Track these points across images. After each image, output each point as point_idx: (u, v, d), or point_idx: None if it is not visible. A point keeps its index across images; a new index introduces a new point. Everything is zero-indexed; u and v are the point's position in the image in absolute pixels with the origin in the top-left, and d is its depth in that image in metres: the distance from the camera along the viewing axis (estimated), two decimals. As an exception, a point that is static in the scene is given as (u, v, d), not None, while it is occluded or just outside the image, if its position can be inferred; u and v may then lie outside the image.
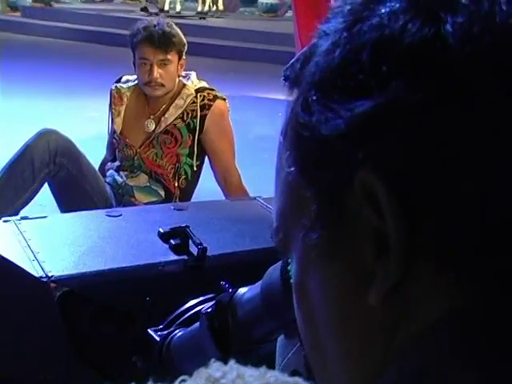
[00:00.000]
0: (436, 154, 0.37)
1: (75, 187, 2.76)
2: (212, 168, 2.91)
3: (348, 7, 0.42)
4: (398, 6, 0.39)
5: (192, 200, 2.88)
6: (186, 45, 2.89)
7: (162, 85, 2.79)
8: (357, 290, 0.41)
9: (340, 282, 0.42)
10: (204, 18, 10.29)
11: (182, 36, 2.89)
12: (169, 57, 2.78)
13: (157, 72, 2.77)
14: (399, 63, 0.38)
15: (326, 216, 0.41)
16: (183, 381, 0.38)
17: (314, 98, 0.41)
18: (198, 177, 2.93)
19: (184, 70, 2.92)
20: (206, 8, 10.53)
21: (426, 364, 0.39)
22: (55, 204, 2.85)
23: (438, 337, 0.39)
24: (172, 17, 9.99)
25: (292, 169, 0.43)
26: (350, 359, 0.43)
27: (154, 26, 2.81)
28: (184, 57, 2.86)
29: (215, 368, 0.37)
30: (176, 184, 2.87)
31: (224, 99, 2.90)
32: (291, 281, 0.48)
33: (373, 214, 0.38)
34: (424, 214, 0.38)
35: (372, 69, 0.38)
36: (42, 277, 1.06)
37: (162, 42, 2.77)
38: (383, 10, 0.39)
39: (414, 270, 0.39)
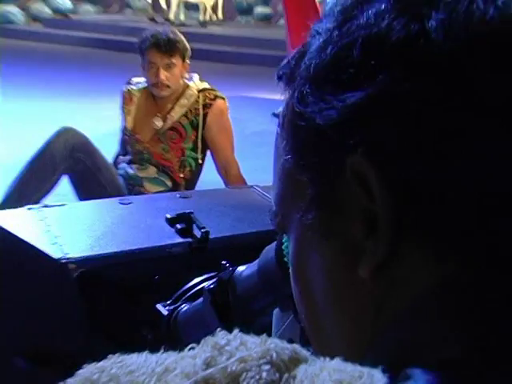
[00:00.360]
0: (420, 138, 0.37)
1: (91, 179, 2.76)
2: (213, 160, 2.91)
3: (338, 8, 0.42)
4: (383, 6, 0.39)
5: (196, 189, 2.89)
6: (189, 50, 2.88)
7: (168, 86, 2.79)
8: (349, 264, 0.40)
9: (333, 257, 0.41)
10: (205, 27, 10.25)
11: (185, 42, 2.88)
12: (173, 60, 2.78)
13: (163, 74, 2.77)
14: (386, 57, 0.38)
15: (321, 198, 0.41)
16: (192, 348, 0.37)
17: (309, 90, 0.41)
18: (201, 169, 2.93)
19: (187, 73, 2.91)
20: (207, 17, 10.49)
21: (415, 332, 0.38)
22: (73, 194, 2.84)
23: (426, 307, 0.38)
24: (176, 25, 9.96)
25: (289, 156, 0.43)
26: (344, 328, 0.43)
27: (160, 33, 2.81)
28: (187, 60, 2.86)
29: (221, 336, 0.37)
30: (181, 175, 2.87)
31: (224, 99, 2.90)
32: (286, 259, 0.47)
33: (363, 195, 0.38)
34: (410, 194, 0.37)
35: (361, 63, 0.38)
36: (61, 258, 1.06)
37: (167, 47, 2.77)
38: (370, 11, 0.39)
39: (401, 246, 0.38)
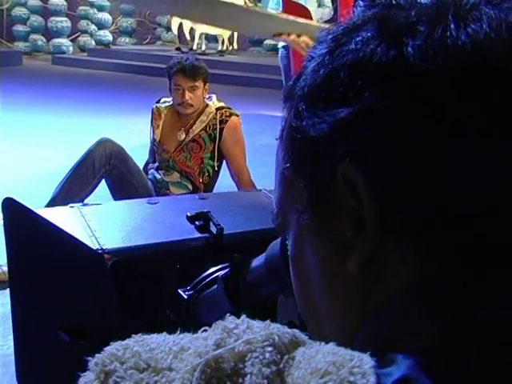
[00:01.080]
0: (401, 147, 0.36)
1: (125, 182, 2.76)
2: (228, 168, 2.90)
3: (330, 36, 0.41)
4: (369, 34, 0.38)
5: (213, 192, 2.88)
6: (209, 75, 2.87)
7: (192, 105, 2.79)
8: (339, 260, 0.39)
9: (326, 253, 0.40)
10: (223, 55, 10.27)
11: (206, 68, 2.88)
12: (196, 84, 2.78)
13: (187, 95, 2.77)
14: (370, 78, 0.37)
15: (315, 202, 0.40)
16: (204, 330, 0.36)
17: (304, 107, 0.40)
18: (218, 175, 2.93)
19: (207, 94, 2.91)
20: (224, 47, 10.52)
21: (395, 322, 0.37)
22: (110, 195, 2.84)
23: (404, 300, 0.37)
24: (199, 54, 9.98)
25: (287, 165, 0.42)
26: (336, 317, 0.41)
27: (186, 60, 2.81)
28: (208, 83, 2.85)
29: (229, 321, 0.36)
30: (201, 180, 2.87)
31: (238, 116, 2.90)
32: (288, 253, 0.46)
33: (352, 199, 0.37)
34: (393, 197, 0.36)
35: (349, 83, 0.37)
36: (98, 249, 1.05)
37: (192, 72, 2.77)
38: (358, 38, 0.38)
39: (385, 244, 0.37)
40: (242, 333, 0.34)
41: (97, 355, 0.37)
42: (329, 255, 0.40)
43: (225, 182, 2.99)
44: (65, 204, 2.65)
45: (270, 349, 0.33)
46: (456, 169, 0.35)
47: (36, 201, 2.70)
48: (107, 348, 0.37)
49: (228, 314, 0.37)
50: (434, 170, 0.35)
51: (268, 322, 0.36)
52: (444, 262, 0.36)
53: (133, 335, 0.39)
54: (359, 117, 0.37)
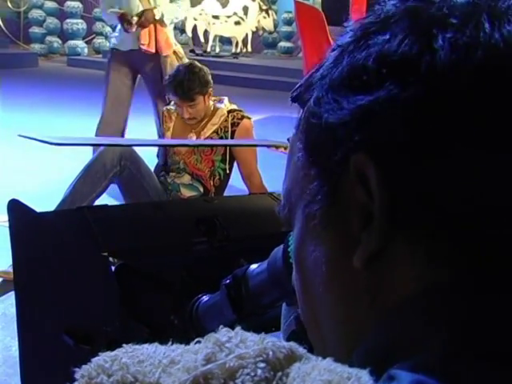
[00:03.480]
0: (418, 142, 0.34)
1: (136, 184, 2.76)
2: (239, 171, 2.89)
3: (358, 25, 0.40)
4: (399, 26, 0.37)
5: (224, 195, 2.87)
6: (210, 81, 2.83)
7: (194, 118, 2.78)
8: (345, 254, 0.38)
9: (331, 246, 0.39)
10: (237, 57, 10.29)
11: (206, 75, 2.83)
12: (195, 101, 2.75)
13: (187, 112, 2.76)
14: (396, 68, 0.35)
15: (325, 191, 0.39)
16: (198, 342, 0.35)
17: (324, 93, 0.39)
18: (229, 178, 2.92)
19: (219, 96, 2.90)
20: (238, 50, 10.54)
21: (401, 330, 0.35)
22: (121, 197, 2.84)
23: (413, 306, 0.35)
24: (212, 56, 9.99)
25: (301, 153, 0.41)
26: (339, 319, 0.39)
27: (179, 81, 2.75)
28: (210, 88, 2.81)
29: (222, 333, 0.34)
30: (212, 183, 2.86)
31: (249, 118, 2.89)
32: (290, 260, 0.45)
33: (362, 191, 0.36)
34: (406, 194, 0.35)
35: (373, 72, 0.36)
36: (103, 252, 1.03)
37: (186, 94, 2.73)
38: (387, 30, 0.37)
39: (393, 241, 0.35)
40: (235, 347, 0.33)
41: (83, 366, 0.36)
42: (334, 249, 0.39)
43: (236, 184, 2.98)
44: (75, 206, 2.65)
45: (262, 365, 0.31)
46: (481, 173, 0.33)
47: (49, 203, 2.71)
48: (95, 359, 0.36)
49: (221, 326, 0.35)
50: (455, 171, 0.33)
51: (263, 335, 0.34)
52: (455, 270, 0.34)
53: (123, 345, 0.38)
54: (379, 106, 0.35)
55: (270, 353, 0.32)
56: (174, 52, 3.79)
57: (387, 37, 0.37)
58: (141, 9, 3.73)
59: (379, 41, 0.37)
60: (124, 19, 3.68)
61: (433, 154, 0.34)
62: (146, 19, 3.68)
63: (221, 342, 0.33)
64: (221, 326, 0.35)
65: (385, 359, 0.33)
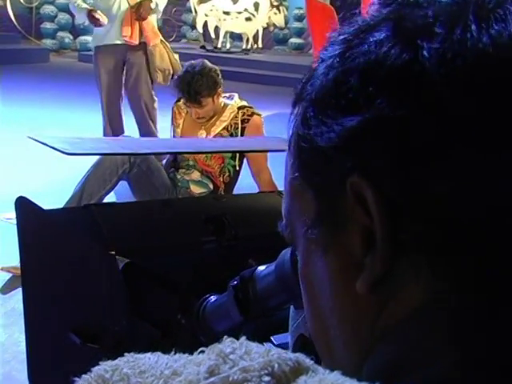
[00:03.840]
0: (414, 160, 0.33)
1: (145, 181, 2.75)
2: (249, 168, 2.88)
3: (341, 37, 0.38)
4: (383, 35, 0.35)
5: (234, 192, 2.87)
6: (219, 81, 2.80)
7: (203, 117, 2.77)
8: (347, 278, 0.36)
9: (335, 271, 0.37)
10: (247, 53, 10.28)
11: (215, 76, 2.79)
12: (203, 104, 2.73)
13: (196, 113, 2.75)
14: (383, 84, 0.33)
15: (324, 215, 0.37)
16: (202, 351, 0.34)
17: (312, 113, 0.37)
18: (239, 174, 2.91)
19: (229, 92, 2.88)
20: (249, 46, 10.52)
21: (407, 347, 0.34)
22: (130, 194, 2.84)
23: (418, 323, 0.33)
24: (223, 52, 9.98)
25: (296, 174, 0.39)
26: (344, 338, 0.39)
27: (187, 84, 2.72)
28: (219, 87, 2.78)
29: (227, 344, 0.33)
30: (221, 180, 2.86)
31: (259, 115, 2.87)
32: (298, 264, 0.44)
33: (362, 213, 0.34)
34: (406, 214, 0.33)
35: (360, 89, 0.34)
36: (110, 250, 1.03)
37: (194, 97, 2.71)
38: (371, 39, 0.35)
39: (397, 264, 0.34)
40: (239, 359, 0.31)
41: (83, 376, 0.35)
42: (337, 273, 0.37)
43: (246, 181, 2.97)
44: (84, 202, 2.65)
45: (267, 378, 0.30)
46: (478, 185, 0.32)
47: (58, 200, 2.71)
48: (95, 368, 0.35)
49: (225, 337, 0.34)
50: (453, 186, 0.32)
51: (269, 346, 0.33)
52: (462, 286, 0.33)
53: (125, 354, 0.37)
54: (370, 126, 0.34)
55: (276, 365, 0.31)
56: (161, 41, 3.75)
57: (372, 47, 0.35)
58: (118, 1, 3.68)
59: (364, 51, 0.35)
60: (91, 15, 3.66)
61: (429, 173, 0.32)
62: (145, 10, 3.65)
63: (224, 354, 0.32)
64: (225, 337, 0.34)
65: (394, 375, 0.32)
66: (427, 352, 0.32)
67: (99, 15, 3.70)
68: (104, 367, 0.35)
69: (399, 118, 0.33)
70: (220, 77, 2.78)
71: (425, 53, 0.33)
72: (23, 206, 1.06)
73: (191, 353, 0.35)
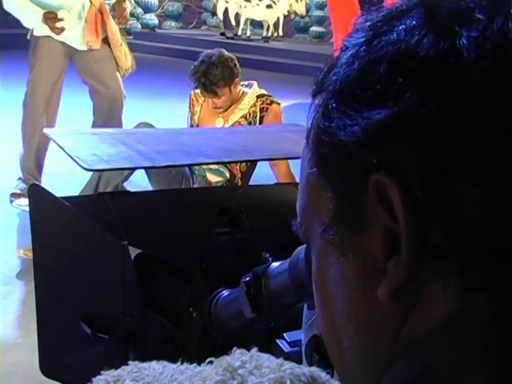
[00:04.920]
0: (446, 159, 0.30)
1: (162, 169, 2.73)
2: (266, 157, 2.84)
3: (368, 23, 0.34)
4: (414, 22, 0.32)
5: (250, 181, 2.84)
6: (236, 71, 2.73)
7: (220, 107, 2.72)
8: (368, 284, 0.33)
9: (353, 275, 0.35)
10: (267, 41, 10.19)
11: (231, 66, 2.72)
12: (219, 95, 2.68)
13: (213, 103, 2.70)
14: (414, 75, 0.30)
15: (343, 215, 0.34)
16: (210, 362, 0.31)
17: (334, 105, 0.34)
18: (256, 164, 2.87)
19: (248, 81, 2.85)
20: (269, 34, 10.44)
21: (433, 361, 0.31)
22: (147, 182, 2.83)
23: (445, 335, 0.31)
24: (243, 40, 9.91)
25: (314, 169, 0.36)
26: (360, 349, 0.36)
27: (205, 74, 2.65)
28: (237, 76, 2.72)
29: (236, 357, 0.30)
30: (238, 168, 2.83)
31: (279, 104, 2.83)
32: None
33: (386, 215, 0.31)
34: (435, 216, 0.30)
35: (388, 80, 0.31)
36: (123, 240, 1.01)
37: (210, 88, 2.65)
38: (400, 26, 0.32)
39: (423, 270, 0.31)
40: (248, 374, 0.29)
41: (84, 387, 0.33)
42: (356, 278, 0.35)
43: (263, 170, 2.94)
44: (101, 189, 2.64)
45: (277, 396, 0.27)
46: None
47: (75, 186, 2.71)
48: (96, 378, 0.33)
49: (235, 348, 0.31)
50: (490, 188, 0.29)
51: (281, 360, 0.30)
52: (497, 299, 0.30)
53: (130, 362, 0.35)
54: (398, 121, 0.31)
55: (288, 382, 0.28)
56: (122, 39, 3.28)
57: (401, 35, 0.32)
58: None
59: (393, 40, 0.32)
60: (49, 19, 2.92)
61: (464, 174, 0.30)
62: (122, 14, 3.15)
63: (233, 368, 0.29)
64: (234, 348, 0.32)
65: None
66: (455, 368, 0.30)
67: (60, 19, 2.95)
68: (105, 377, 0.33)
69: (432, 113, 0.30)
70: (237, 66, 2.72)
71: (463, 41, 0.30)
72: (36, 193, 1.05)
73: (201, 349, 0.33)
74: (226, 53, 2.80)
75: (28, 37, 3.19)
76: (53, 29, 3.01)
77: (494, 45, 0.30)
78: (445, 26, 0.31)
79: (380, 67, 0.32)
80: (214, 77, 2.64)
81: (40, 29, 3.08)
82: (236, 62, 2.77)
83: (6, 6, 3.15)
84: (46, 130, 1.26)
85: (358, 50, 0.34)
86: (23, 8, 3.05)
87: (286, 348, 0.80)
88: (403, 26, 0.32)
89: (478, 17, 0.30)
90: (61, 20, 3.02)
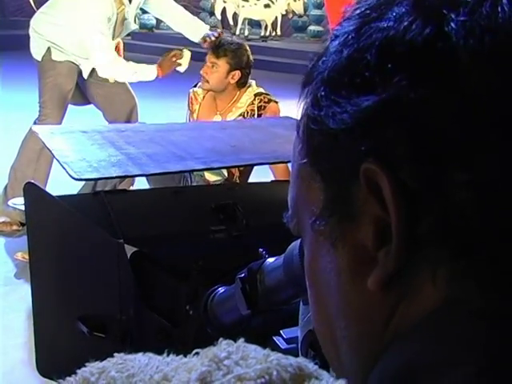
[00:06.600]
0: (435, 146, 0.29)
1: (159, 167, 2.74)
2: (264, 155, 2.84)
3: (357, 11, 0.34)
4: (403, 9, 0.31)
5: (249, 179, 2.84)
6: (237, 61, 2.77)
7: (207, 81, 2.76)
8: (359, 274, 0.33)
9: (344, 265, 0.34)
10: (265, 41, 10.20)
11: (241, 55, 2.76)
12: (218, 62, 2.73)
13: (204, 70, 2.76)
14: (402, 61, 0.30)
15: (333, 205, 0.34)
16: (196, 353, 0.31)
17: (323, 93, 0.33)
18: (254, 162, 2.87)
19: (235, 80, 2.83)
20: (267, 33, 10.45)
21: (421, 351, 0.30)
22: (145, 181, 2.82)
23: (434, 326, 0.30)
24: (241, 39, 9.91)
25: (304, 160, 0.36)
26: (352, 339, 0.35)
27: (227, 39, 2.80)
28: (235, 71, 2.75)
29: (222, 347, 0.30)
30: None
31: (276, 102, 2.84)
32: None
33: (376, 204, 0.31)
34: (425, 205, 0.30)
35: (377, 67, 0.31)
36: (119, 238, 1.01)
37: (217, 48, 2.75)
38: (390, 13, 0.32)
39: (413, 259, 0.31)
40: (234, 365, 0.28)
41: (68, 378, 0.32)
42: (347, 268, 0.34)
43: (262, 167, 2.94)
44: (100, 187, 2.64)
45: (263, 387, 0.27)
46: (507, 175, 0.28)
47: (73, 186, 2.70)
48: (81, 370, 0.33)
49: (221, 339, 0.31)
50: (479, 175, 0.28)
51: (267, 351, 0.30)
52: (484, 287, 0.29)
53: (115, 354, 0.34)
54: (386, 107, 0.30)
55: (274, 373, 0.28)
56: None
57: (390, 22, 0.32)
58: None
59: (381, 27, 0.32)
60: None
61: (453, 161, 0.29)
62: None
63: (219, 359, 0.29)
64: (221, 339, 0.31)
65: (402, 381, 0.29)
66: (443, 359, 0.29)
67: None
68: (90, 369, 0.32)
69: (420, 98, 0.29)
70: (247, 70, 2.75)
71: (452, 25, 0.29)
72: (32, 192, 1.05)
73: (198, 347, 0.32)
74: (247, 48, 2.87)
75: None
76: None
77: (482, 29, 0.29)
78: (433, 10, 0.30)
79: (368, 54, 0.31)
80: (229, 45, 2.74)
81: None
82: (250, 64, 2.81)
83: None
84: (34, 128, 1.25)
85: (346, 37, 0.33)
86: None
87: (282, 345, 0.79)
88: (392, 13, 0.32)
89: (466, 0, 0.30)
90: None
